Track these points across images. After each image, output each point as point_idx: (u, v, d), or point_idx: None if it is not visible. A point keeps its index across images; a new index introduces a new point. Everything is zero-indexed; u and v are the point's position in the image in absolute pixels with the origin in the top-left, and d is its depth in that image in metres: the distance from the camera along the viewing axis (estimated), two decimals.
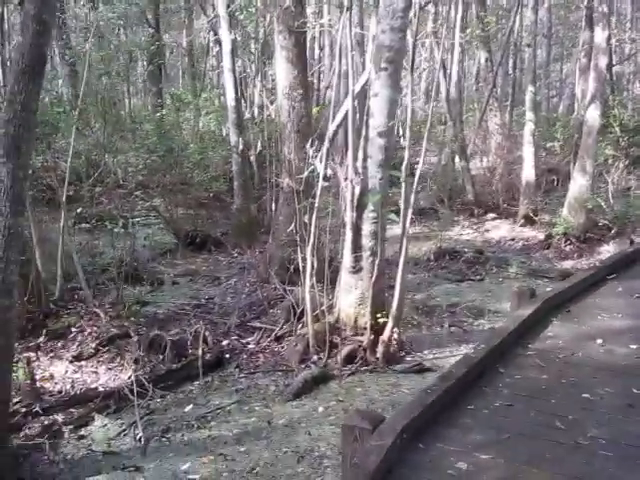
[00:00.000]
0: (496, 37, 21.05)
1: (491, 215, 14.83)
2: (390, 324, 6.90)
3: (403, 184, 6.80)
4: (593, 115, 11.86)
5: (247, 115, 15.53)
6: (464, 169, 15.50)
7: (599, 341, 5.06)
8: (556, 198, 15.00)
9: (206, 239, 12.25)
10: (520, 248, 12.52)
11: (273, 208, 11.18)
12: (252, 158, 14.34)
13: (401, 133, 19.86)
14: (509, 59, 22.07)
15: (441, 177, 16.34)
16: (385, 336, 6.90)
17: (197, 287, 10.04)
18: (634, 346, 4.98)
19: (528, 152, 14.10)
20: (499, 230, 13.75)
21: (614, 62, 24.31)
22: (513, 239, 12.99)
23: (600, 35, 11.96)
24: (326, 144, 7.10)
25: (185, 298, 9.32)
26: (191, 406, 6.14)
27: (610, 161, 14.76)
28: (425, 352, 7.32)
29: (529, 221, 13.65)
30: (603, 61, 11.82)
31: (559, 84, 34.63)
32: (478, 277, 10.43)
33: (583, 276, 6.52)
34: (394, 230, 7.35)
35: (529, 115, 14.11)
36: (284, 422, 5.71)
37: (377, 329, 6.98)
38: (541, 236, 12.77)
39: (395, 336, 7.04)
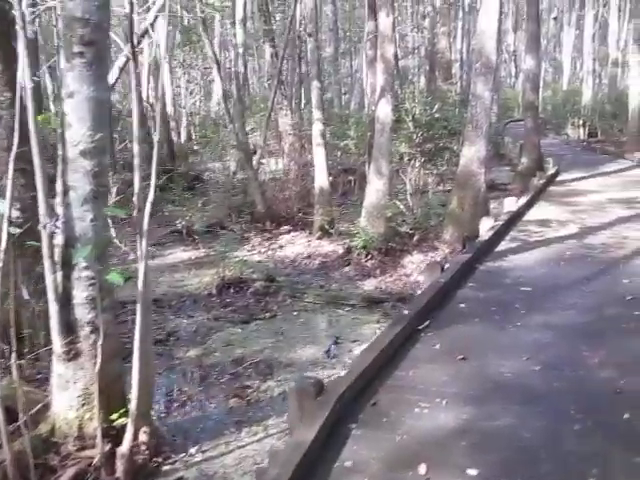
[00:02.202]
0: (283, 32, 19.54)
1: (286, 227, 13.08)
2: (131, 426, 4.74)
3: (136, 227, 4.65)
4: (385, 110, 10.49)
5: None
6: (250, 178, 13.57)
7: (422, 470, 3.23)
8: (354, 203, 13.65)
9: None
10: (318, 267, 10.84)
11: None
12: None
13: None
14: (295, 53, 20.71)
15: (227, 189, 14.30)
16: (125, 445, 4.73)
17: None
18: (473, 471, 3.21)
19: (319, 155, 12.47)
20: (294, 246, 12.02)
21: (399, 56, 24.00)
22: (310, 256, 11.28)
23: (384, 21, 10.58)
24: (10, 169, 4.68)
25: None
26: None
27: (406, 159, 13.74)
28: (193, 450, 5.28)
29: (326, 233, 12.06)
30: (390, 50, 10.47)
31: (350, 80, 34.40)
32: (268, 314, 8.51)
33: (388, 336, 4.71)
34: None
35: (317, 114, 12.46)
36: None
37: (115, 435, 4.81)
38: (340, 250, 11.22)
39: (144, 438, 4.91)
